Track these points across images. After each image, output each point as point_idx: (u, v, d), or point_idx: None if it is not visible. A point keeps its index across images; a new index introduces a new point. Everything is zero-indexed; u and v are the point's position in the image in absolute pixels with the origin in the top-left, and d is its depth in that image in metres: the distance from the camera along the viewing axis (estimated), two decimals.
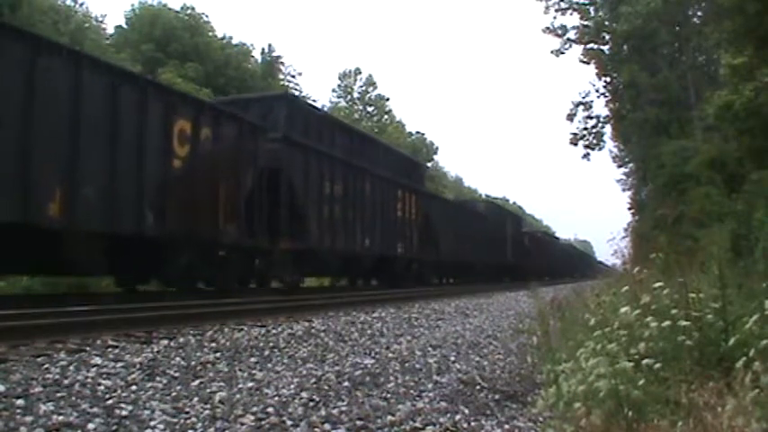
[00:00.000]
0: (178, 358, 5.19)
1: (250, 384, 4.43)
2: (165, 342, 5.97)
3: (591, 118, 29.87)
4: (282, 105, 15.04)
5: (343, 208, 15.90)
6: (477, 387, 4.90)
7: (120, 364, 4.75)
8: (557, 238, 64.84)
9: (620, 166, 36.37)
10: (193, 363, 5.04)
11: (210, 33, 35.97)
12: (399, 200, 19.95)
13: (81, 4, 32.25)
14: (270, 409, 3.80)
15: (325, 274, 19.27)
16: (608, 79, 28.42)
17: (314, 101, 43.50)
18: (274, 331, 7.24)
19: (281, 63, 39.61)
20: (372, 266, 18.48)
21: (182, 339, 6.21)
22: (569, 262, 57.54)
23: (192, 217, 10.58)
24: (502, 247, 33.42)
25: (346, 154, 16.82)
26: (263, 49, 39.55)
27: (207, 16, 36.42)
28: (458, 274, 27.88)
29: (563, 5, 27.72)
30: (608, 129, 30.24)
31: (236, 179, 11.83)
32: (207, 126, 11.04)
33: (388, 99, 55.17)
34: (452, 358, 6.21)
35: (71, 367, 4.51)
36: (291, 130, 14.29)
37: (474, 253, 27.78)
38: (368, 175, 17.59)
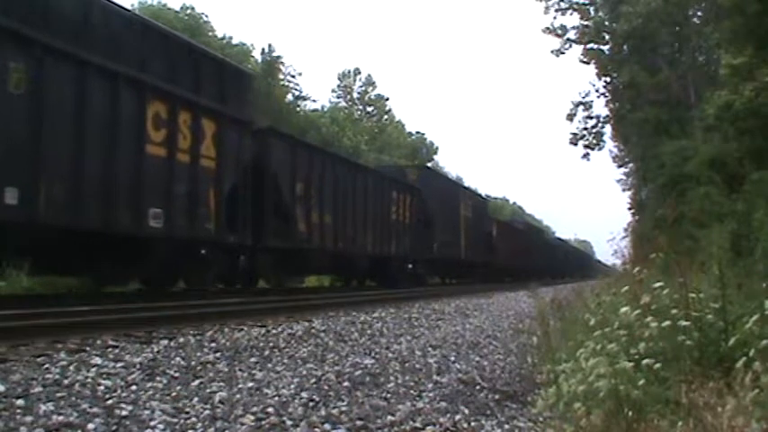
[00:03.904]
0: (178, 358, 5.19)
1: (250, 384, 4.43)
2: (165, 342, 5.97)
3: (591, 118, 29.89)
4: None
5: None
6: (477, 387, 4.90)
7: (120, 364, 4.75)
8: (542, 231, 55.53)
9: (620, 166, 36.32)
10: (193, 363, 5.04)
11: (210, 33, 35.99)
12: (161, 123, 9.65)
13: None
14: (270, 409, 3.80)
15: None
16: (608, 79, 28.40)
17: (314, 101, 43.51)
18: (274, 331, 7.24)
19: (281, 63, 39.61)
20: (58, 248, 8.77)
21: (182, 339, 6.21)
22: (563, 261, 50.86)
23: None
24: (451, 238, 24.18)
25: None
26: (263, 49, 39.59)
27: (207, 16, 36.54)
28: (352, 273, 18.47)
29: (563, 5, 27.75)
30: (608, 129, 30.26)
31: None
32: None
33: (387, 99, 55.38)
34: (452, 358, 6.21)
35: (71, 367, 4.51)
36: None
37: (390, 243, 18.79)
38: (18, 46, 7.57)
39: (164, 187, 9.78)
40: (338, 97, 53.55)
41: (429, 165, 46.91)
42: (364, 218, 17.04)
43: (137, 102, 9.25)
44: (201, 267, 11.18)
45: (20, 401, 3.52)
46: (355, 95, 54.23)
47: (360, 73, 54.58)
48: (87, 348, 5.36)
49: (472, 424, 3.87)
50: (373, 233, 17.67)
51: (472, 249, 26.42)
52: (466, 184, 43.52)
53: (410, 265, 20.87)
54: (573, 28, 28.04)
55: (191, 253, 10.84)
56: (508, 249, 32.78)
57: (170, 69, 9.96)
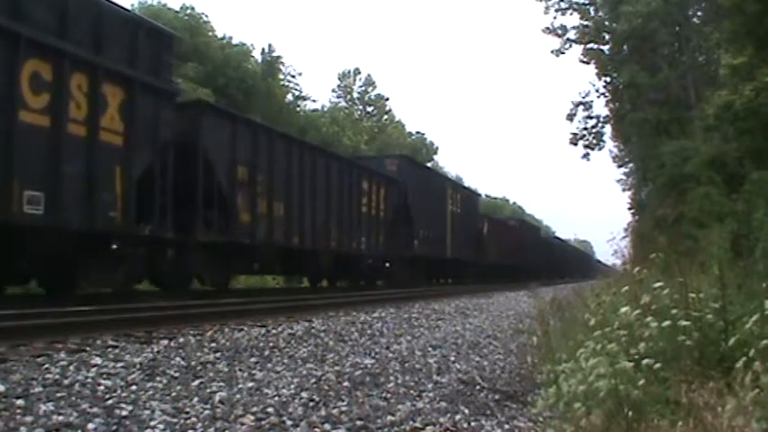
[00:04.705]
0: (178, 358, 5.19)
1: (250, 384, 4.43)
2: (165, 342, 5.97)
3: (591, 118, 29.95)
4: None
5: None
6: (477, 387, 4.90)
7: (120, 364, 4.75)
8: (538, 229, 53.01)
9: (620, 166, 36.37)
10: (193, 363, 5.04)
11: (210, 33, 35.94)
12: (42, 86, 7.86)
13: None
14: (270, 409, 3.80)
15: None
16: (608, 79, 28.44)
17: (314, 101, 43.40)
18: (274, 331, 7.24)
19: (281, 63, 39.54)
20: None
21: (182, 339, 6.21)
22: (562, 261, 49.43)
23: None
24: (435, 234, 22.27)
25: None
26: (263, 49, 39.48)
27: (207, 16, 36.40)
28: (310, 271, 16.51)
29: (563, 5, 27.78)
30: (608, 129, 30.31)
31: None
32: None
33: (387, 99, 55.31)
34: (452, 358, 6.21)
35: (71, 367, 4.51)
36: None
37: (359, 239, 16.76)
38: None
39: (46, 165, 7.86)
40: (338, 97, 53.56)
41: (429, 164, 46.72)
42: (326, 209, 14.92)
43: (4, 57, 7.39)
44: (108, 265, 9.21)
45: (20, 401, 3.52)
46: (355, 95, 54.22)
47: (360, 73, 54.62)
48: (87, 348, 5.36)
49: (472, 424, 3.87)
50: (338, 227, 15.64)
51: (460, 247, 24.52)
52: (465, 184, 43.15)
53: (387, 264, 18.96)
54: (573, 28, 28.12)
55: (94, 247, 8.93)
56: (500, 248, 31.10)
57: (59, 22, 8.13)
